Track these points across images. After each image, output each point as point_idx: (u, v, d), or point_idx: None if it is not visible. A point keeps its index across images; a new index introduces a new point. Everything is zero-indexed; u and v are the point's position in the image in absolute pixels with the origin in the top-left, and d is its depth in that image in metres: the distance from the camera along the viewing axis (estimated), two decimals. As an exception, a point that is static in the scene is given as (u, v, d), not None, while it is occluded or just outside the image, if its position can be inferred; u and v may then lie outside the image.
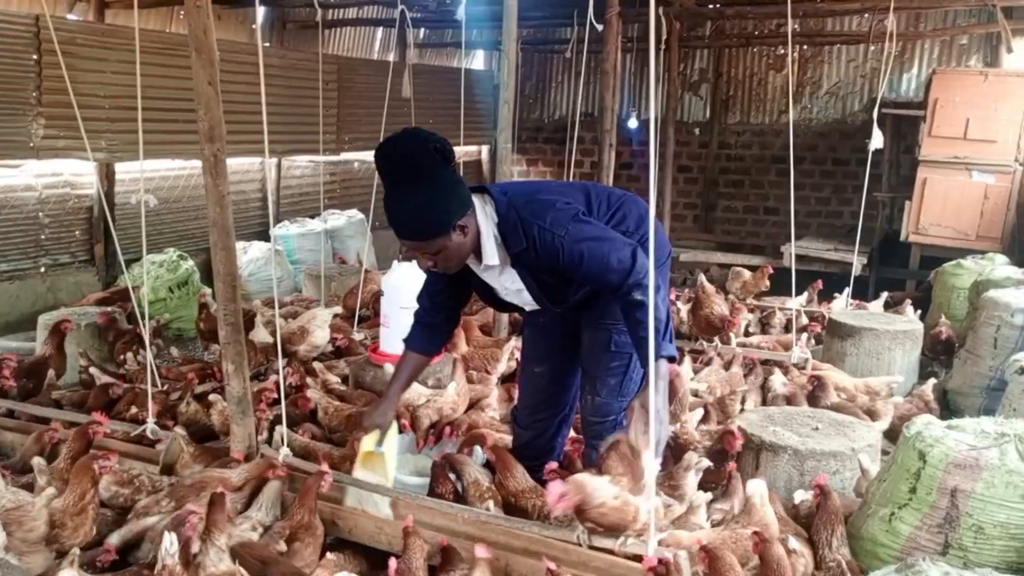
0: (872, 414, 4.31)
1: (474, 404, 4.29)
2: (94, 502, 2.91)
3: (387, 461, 3.16)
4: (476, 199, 2.77)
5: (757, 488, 2.98)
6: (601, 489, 2.59)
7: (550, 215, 2.74)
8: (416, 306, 3.72)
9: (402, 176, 2.62)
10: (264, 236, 8.14)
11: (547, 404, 3.34)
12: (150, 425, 3.74)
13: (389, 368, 4.24)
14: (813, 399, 4.41)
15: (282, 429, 3.61)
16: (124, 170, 6.92)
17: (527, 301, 3.03)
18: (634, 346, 2.79)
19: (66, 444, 3.39)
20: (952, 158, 7.69)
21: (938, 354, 5.60)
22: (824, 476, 3.12)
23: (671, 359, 2.72)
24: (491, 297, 3.10)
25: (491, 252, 2.78)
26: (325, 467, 3.13)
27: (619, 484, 2.62)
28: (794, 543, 2.68)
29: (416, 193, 2.60)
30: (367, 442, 3.14)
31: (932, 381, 4.78)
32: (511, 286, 2.96)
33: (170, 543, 2.43)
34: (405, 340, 3.21)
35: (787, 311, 5.94)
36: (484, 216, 2.76)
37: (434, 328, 3.18)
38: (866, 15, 9.03)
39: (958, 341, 5.44)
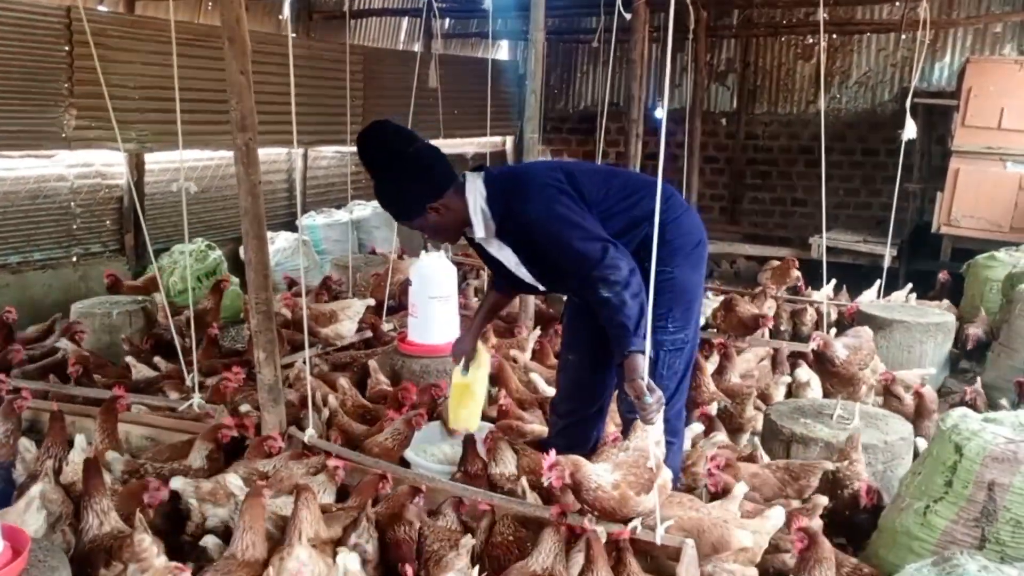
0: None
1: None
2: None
3: (476, 395, 3.44)
4: (471, 177, 2.95)
5: (740, 491, 3.02)
6: (600, 474, 2.62)
7: (527, 190, 2.89)
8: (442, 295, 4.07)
9: (372, 166, 2.91)
10: (290, 226, 8.19)
11: (581, 393, 3.32)
12: (196, 400, 3.82)
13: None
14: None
15: (308, 410, 3.62)
16: (153, 160, 7.00)
17: (531, 278, 3.09)
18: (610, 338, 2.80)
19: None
20: (986, 148, 7.56)
21: (970, 355, 5.51)
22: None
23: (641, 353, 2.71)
24: (504, 273, 3.18)
25: (478, 225, 2.94)
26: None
27: (621, 474, 2.63)
28: None
29: (385, 181, 2.91)
30: (456, 373, 3.45)
31: (979, 380, 4.68)
32: (510, 260, 3.05)
33: None
34: (488, 284, 3.48)
35: (817, 303, 5.87)
36: (473, 190, 2.92)
37: (510, 275, 3.25)
38: (898, 3, 8.91)
39: (990, 336, 5.34)
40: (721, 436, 3.72)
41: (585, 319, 3.20)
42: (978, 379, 4.68)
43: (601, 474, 2.63)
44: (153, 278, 6.02)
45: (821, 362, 3.76)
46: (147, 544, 2.55)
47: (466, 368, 3.46)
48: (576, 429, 3.37)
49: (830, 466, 3.37)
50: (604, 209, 2.93)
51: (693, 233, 3.04)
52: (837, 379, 3.73)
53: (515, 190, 2.91)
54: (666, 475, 2.75)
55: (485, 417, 3.89)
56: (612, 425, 3.54)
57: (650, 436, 2.66)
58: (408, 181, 2.88)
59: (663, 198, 2.99)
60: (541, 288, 3.24)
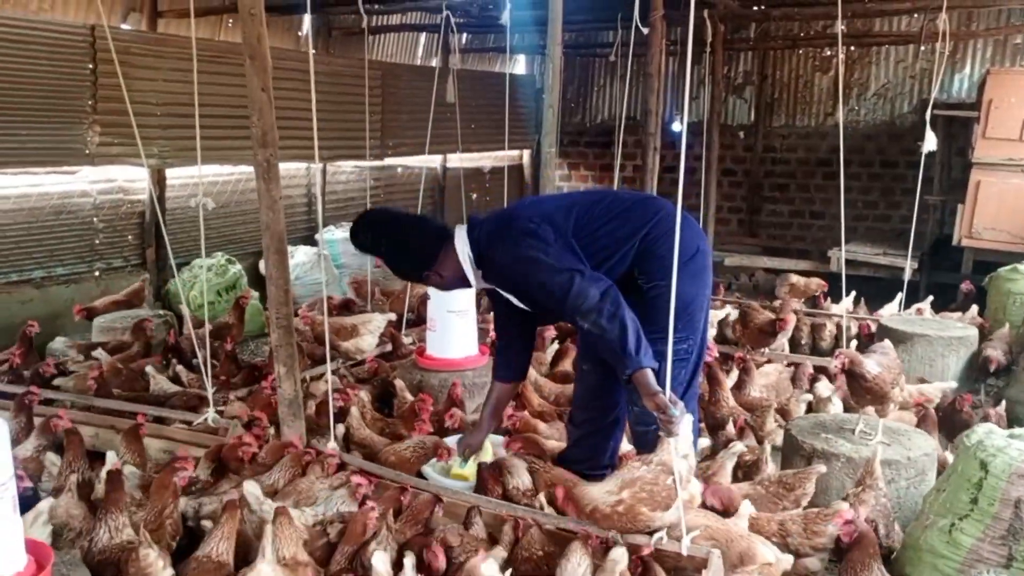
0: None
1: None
2: (172, 517, 2.93)
3: (471, 481, 3.42)
4: (459, 230, 3.15)
5: (746, 509, 3.04)
6: (594, 495, 2.67)
7: (498, 235, 3.04)
8: (460, 309, 4.37)
9: (365, 251, 3.28)
10: (309, 240, 8.24)
11: (596, 403, 3.34)
12: (211, 414, 3.84)
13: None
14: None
15: (330, 421, 3.65)
16: (174, 176, 7.07)
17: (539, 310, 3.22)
18: None
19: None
20: (1007, 160, 7.49)
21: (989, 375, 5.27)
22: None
23: (652, 368, 2.74)
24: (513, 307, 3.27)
25: (469, 274, 3.13)
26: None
27: (629, 492, 2.64)
28: None
29: (384, 259, 3.25)
30: (455, 464, 3.50)
31: (1003, 403, 4.56)
32: (510, 297, 3.18)
33: None
34: (492, 372, 3.56)
35: (837, 317, 5.82)
36: (461, 243, 3.10)
37: (510, 356, 3.46)
38: (916, 15, 8.86)
39: (1009, 356, 5.23)
40: (740, 446, 3.68)
41: None
42: (1003, 401, 4.57)
43: (596, 495, 2.65)
44: (137, 290, 6.10)
45: (852, 378, 3.67)
46: (152, 559, 2.57)
47: (466, 460, 3.51)
48: (591, 440, 3.38)
49: (823, 469, 3.38)
50: (588, 234, 3.02)
51: (688, 245, 3.00)
52: (871, 395, 3.64)
53: (489, 238, 3.07)
54: (693, 488, 2.73)
55: (503, 431, 3.89)
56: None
57: (675, 449, 2.64)
58: (397, 261, 3.22)
59: (652, 212, 3.04)
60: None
